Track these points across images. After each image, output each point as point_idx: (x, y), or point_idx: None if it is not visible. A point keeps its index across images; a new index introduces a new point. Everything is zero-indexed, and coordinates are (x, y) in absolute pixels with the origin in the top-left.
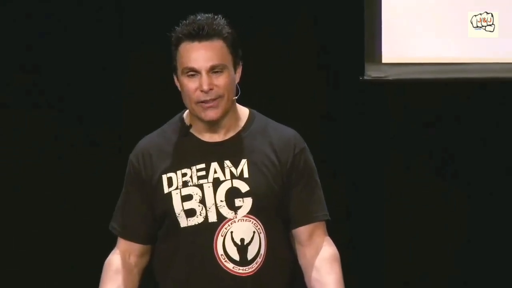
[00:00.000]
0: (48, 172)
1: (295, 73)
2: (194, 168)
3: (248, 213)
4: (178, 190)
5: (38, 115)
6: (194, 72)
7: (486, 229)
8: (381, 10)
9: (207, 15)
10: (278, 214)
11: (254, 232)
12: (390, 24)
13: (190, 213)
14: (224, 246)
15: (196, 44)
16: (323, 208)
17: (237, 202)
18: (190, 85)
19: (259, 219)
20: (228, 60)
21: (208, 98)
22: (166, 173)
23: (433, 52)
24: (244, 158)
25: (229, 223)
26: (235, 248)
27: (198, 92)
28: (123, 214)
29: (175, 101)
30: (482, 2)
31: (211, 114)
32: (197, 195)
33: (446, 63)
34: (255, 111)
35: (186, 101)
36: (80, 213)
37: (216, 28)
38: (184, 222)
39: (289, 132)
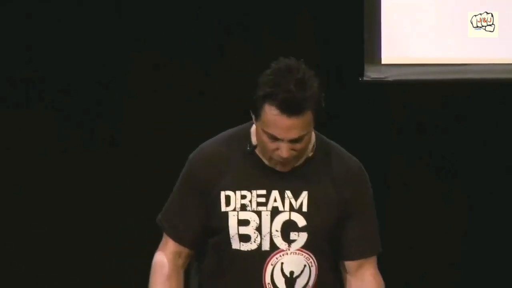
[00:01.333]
0: (47, 172)
1: None
2: (254, 193)
3: (302, 247)
4: (236, 213)
5: (37, 115)
6: (275, 139)
7: (486, 229)
8: (380, 10)
9: (300, 73)
10: (330, 245)
11: (305, 265)
12: (389, 25)
13: (245, 238)
14: (272, 276)
15: (284, 118)
16: (377, 242)
17: (292, 235)
18: (268, 144)
19: (312, 253)
20: (311, 124)
21: (284, 160)
22: (224, 190)
23: (433, 52)
24: (305, 190)
25: (281, 254)
26: (283, 279)
27: (276, 153)
28: (176, 214)
29: (175, 101)
30: (482, 2)
31: (283, 168)
32: (255, 222)
33: (446, 64)
34: (320, 136)
35: (259, 143)
36: (79, 213)
37: (309, 99)
38: (236, 244)
39: (353, 163)
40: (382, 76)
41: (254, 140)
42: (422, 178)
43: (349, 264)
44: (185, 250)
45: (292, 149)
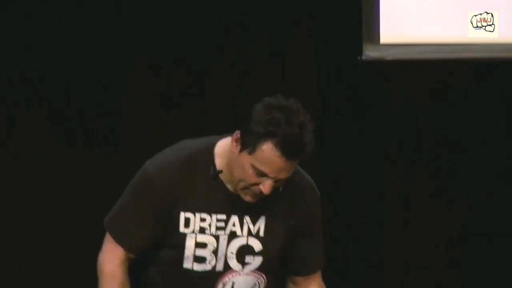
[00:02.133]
0: (47, 172)
1: (293, 63)
2: (214, 217)
3: (256, 269)
4: (194, 235)
5: (37, 115)
6: (263, 175)
7: (485, 227)
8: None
9: (302, 116)
10: (281, 263)
11: (255, 284)
12: (388, 5)
13: (200, 260)
14: None
15: (283, 160)
16: (323, 257)
17: (248, 258)
18: (251, 178)
19: (264, 273)
20: None
21: (262, 195)
22: (184, 211)
23: (432, 35)
24: (263, 215)
25: (234, 274)
26: None
27: (256, 187)
28: (129, 223)
29: (175, 101)
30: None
31: (252, 200)
32: (212, 245)
33: (445, 44)
34: None
35: (234, 171)
36: (79, 213)
37: (309, 144)
38: (189, 264)
39: (308, 185)
40: (380, 55)
41: (218, 163)
42: (421, 160)
43: (298, 278)
44: (132, 257)
45: (273, 186)
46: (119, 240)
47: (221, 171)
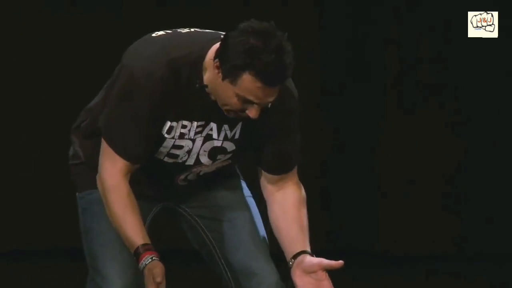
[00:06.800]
0: (47, 172)
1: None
2: (195, 124)
3: (223, 161)
4: (173, 140)
5: (38, 115)
6: (249, 102)
7: (486, 231)
8: None
9: (278, 38)
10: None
11: (218, 167)
12: None
13: (173, 156)
14: (187, 176)
15: (266, 88)
16: (298, 156)
17: (219, 156)
18: (237, 105)
19: (231, 161)
20: None
21: (249, 118)
22: (171, 120)
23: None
24: (241, 122)
25: (202, 167)
26: (195, 176)
27: (240, 113)
28: (126, 132)
29: None
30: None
31: (233, 116)
32: (187, 146)
33: None
34: None
35: (219, 96)
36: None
37: (290, 66)
38: (160, 156)
39: (285, 86)
40: None
41: (205, 77)
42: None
43: (273, 177)
44: (134, 168)
45: (260, 110)
46: (121, 151)
47: (206, 86)
